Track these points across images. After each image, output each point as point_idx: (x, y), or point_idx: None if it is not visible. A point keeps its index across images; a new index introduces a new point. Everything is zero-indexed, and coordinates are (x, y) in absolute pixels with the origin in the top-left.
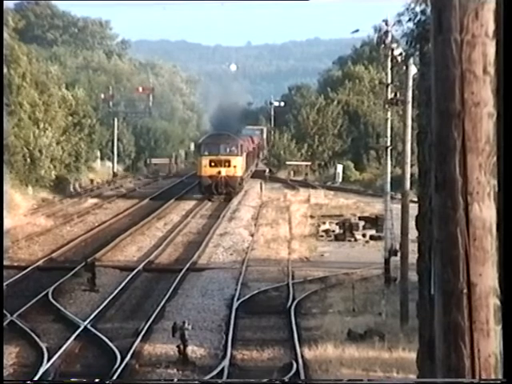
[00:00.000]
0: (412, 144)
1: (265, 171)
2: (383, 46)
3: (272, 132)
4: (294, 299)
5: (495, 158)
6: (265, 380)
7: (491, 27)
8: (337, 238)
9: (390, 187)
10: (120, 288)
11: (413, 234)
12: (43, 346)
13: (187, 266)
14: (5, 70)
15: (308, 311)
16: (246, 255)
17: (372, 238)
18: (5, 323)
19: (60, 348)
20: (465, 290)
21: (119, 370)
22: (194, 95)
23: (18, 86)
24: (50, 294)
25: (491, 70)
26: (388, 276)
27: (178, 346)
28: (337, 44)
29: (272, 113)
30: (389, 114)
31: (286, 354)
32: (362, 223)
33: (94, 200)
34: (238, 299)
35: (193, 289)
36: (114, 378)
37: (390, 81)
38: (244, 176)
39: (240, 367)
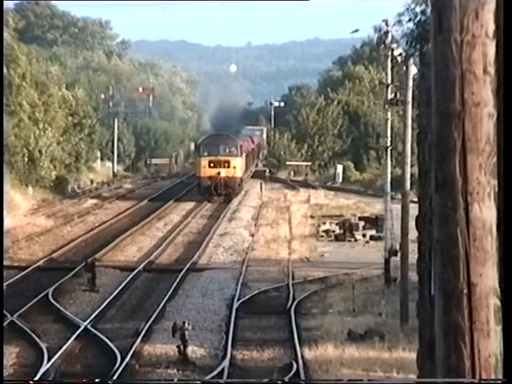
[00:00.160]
0: (412, 144)
1: (265, 171)
2: (383, 46)
3: (272, 132)
4: (294, 299)
5: (495, 159)
6: (265, 380)
7: (491, 27)
8: (337, 238)
9: (390, 187)
10: (120, 288)
11: (413, 234)
12: (43, 346)
13: (187, 266)
14: (5, 70)
15: (308, 311)
16: (247, 255)
17: (372, 238)
18: (5, 323)
19: (60, 348)
20: (465, 291)
21: (119, 371)
22: (194, 95)
23: (18, 86)
24: (50, 294)
25: (491, 70)
26: (388, 276)
27: (178, 347)
28: (337, 44)
29: (272, 113)
30: (389, 114)
31: (286, 354)
32: (362, 223)
33: (94, 200)
34: (238, 299)
35: (193, 289)
36: (114, 378)
37: (390, 81)
38: (244, 177)
39: (240, 367)
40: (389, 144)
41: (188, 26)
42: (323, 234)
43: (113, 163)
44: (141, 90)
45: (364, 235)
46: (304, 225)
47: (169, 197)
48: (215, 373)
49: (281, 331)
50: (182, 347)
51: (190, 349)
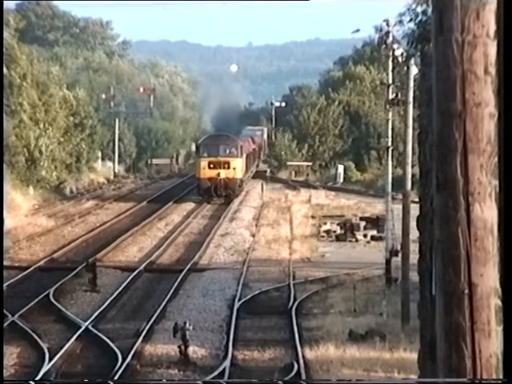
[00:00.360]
0: (413, 144)
1: (266, 172)
2: (384, 46)
3: (273, 132)
4: (295, 299)
5: (496, 159)
6: (266, 380)
7: (492, 28)
8: (338, 238)
9: (391, 188)
10: (121, 288)
11: (414, 234)
12: (44, 346)
13: (188, 266)
14: (6, 70)
15: (309, 311)
16: (247, 256)
17: (373, 238)
18: (6, 323)
19: (61, 348)
20: (466, 291)
21: (120, 371)
22: (195, 95)
23: (19, 86)
24: (51, 295)
25: (492, 70)
26: (389, 276)
27: (179, 347)
28: (338, 44)
29: (273, 113)
30: (390, 114)
31: (287, 355)
32: (363, 224)
33: (95, 200)
34: (239, 300)
35: (194, 289)
36: (116, 378)
37: (391, 81)
38: (244, 178)
39: (241, 367)
40: (390, 144)
41: (189, 26)
42: (324, 234)
43: (114, 163)
44: (142, 90)
45: (365, 235)
46: (305, 225)
47: (170, 197)
48: (216, 373)
49: (282, 331)
50: (183, 347)
51: (191, 349)
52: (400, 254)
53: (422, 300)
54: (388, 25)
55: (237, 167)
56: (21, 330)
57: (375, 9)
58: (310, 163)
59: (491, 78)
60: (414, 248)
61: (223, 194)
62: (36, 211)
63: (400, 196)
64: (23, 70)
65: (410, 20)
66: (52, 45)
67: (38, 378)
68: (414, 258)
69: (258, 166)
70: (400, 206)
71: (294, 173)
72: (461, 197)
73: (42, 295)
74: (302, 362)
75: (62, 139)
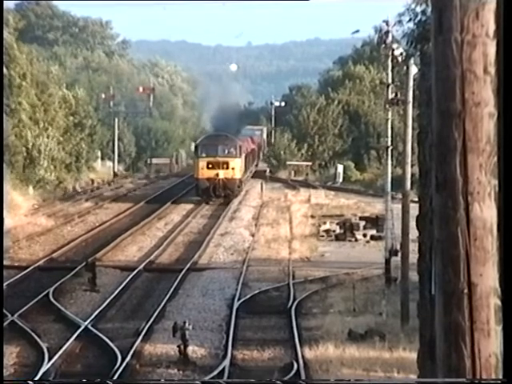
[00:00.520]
0: (412, 144)
1: (265, 171)
2: (384, 46)
3: (273, 132)
4: (294, 299)
5: (496, 158)
6: (265, 380)
7: (492, 27)
8: (337, 237)
9: (390, 187)
10: (121, 288)
11: (413, 233)
12: (44, 345)
13: (188, 265)
14: (5, 70)
15: (309, 311)
16: (247, 255)
17: (373, 237)
18: (6, 323)
19: (61, 348)
20: (465, 290)
21: (120, 370)
22: (195, 95)
23: (19, 85)
24: (51, 294)
25: (492, 70)
26: (389, 276)
27: (178, 346)
28: (337, 44)
29: (273, 113)
30: (389, 114)
31: (286, 354)
32: (362, 223)
33: (95, 200)
34: (238, 299)
35: (193, 289)
36: (115, 378)
37: (390, 81)
38: (243, 178)
39: (241, 367)
40: (389, 144)
41: (188, 25)
42: (324, 233)
43: (113, 163)
44: (141, 89)
45: (364, 235)
46: (304, 224)
47: (169, 196)
48: (215, 372)
49: (281, 331)
50: (182, 347)
51: (190, 348)
52: (399, 254)
53: (422, 299)
54: (387, 24)
55: (236, 167)
56: (20, 329)
57: (375, 9)
58: (310, 163)
59: (490, 77)
60: (413, 247)
61: (222, 194)
62: (36, 211)
63: (399, 195)
64: (23, 69)
65: (410, 20)
66: (51, 44)
67: (37, 377)
68: (413, 257)
69: (257, 165)
70: (399, 206)
71: (293, 172)
72: (460, 196)
73: (42, 295)
74: (301, 361)
75: (61, 139)
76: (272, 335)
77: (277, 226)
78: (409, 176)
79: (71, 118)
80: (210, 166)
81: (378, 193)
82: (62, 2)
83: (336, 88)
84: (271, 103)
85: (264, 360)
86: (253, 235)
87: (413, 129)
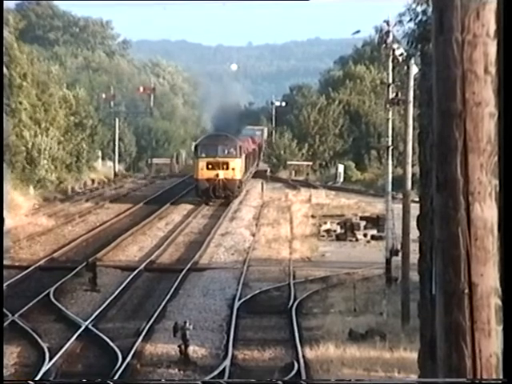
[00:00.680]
0: (413, 144)
1: (266, 171)
2: (384, 45)
3: (273, 132)
4: (295, 299)
5: (496, 158)
6: (266, 380)
7: (492, 27)
8: (338, 237)
9: (391, 187)
10: (121, 288)
11: (414, 233)
12: (44, 345)
13: (188, 265)
14: (6, 70)
15: (309, 311)
16: (248, 255)
17: (373, 237)
18: (6, 323)
19: (61, 348)
20: (466, 290)
21: (120, 370)
22: (195, 95)
23: (19, 85)
24: (52, 294)
25: (492, 69)
26: (389, 276)
27: (179, 346)
28: (338, 44)
29: (273, 113)
30: (390, 113)
31: (287, 354)
32: (363, 223)
33: (95, 200)
34: (239, 299)
35: (194, 289)
36: (116, 377)
37: (391, 81)
38: (243, 179)
39: (241, 367)
40: (390, 144)
41: (189, 25)
42: (324, 233)
43: (114, 163)
44: (142, 89)
45: (365, 235)
46: (305, 224)
47: (170, 196)
48: (216, 372)
49: (282, 331)
50: (183, 347)
51: (191, 348)
52: (400, 254)
53: (422, 299)
54: (388, 24)
55: (236, 168)
56: (21, 329)
57: (375, 8)
58: (310, 163)
59: (491, 77)
60: (414, 247)
61: (222, 195)
62: (36, 211)
63: (400, 195)
64: (23, 69)
65: (410, 20)
66: (52, 44)
67: (38, 377)
68: (414, 257)
69: (258, 165)
70: (400, 206)
71: (294, 172)
72: (461, 196)
73: (43, 295)
74: (302, 361)
75: (62, 139)
76: (273, 335)
77: (277, 225)
78: (409, 176)
79: (72, 117)
80: (210, 166)
81: (378, 193)
82: (62, 1)
83: (337, 88)
84: (272, 103)
85: (265, 360)
86: (253, 235)
87: (413, 129)
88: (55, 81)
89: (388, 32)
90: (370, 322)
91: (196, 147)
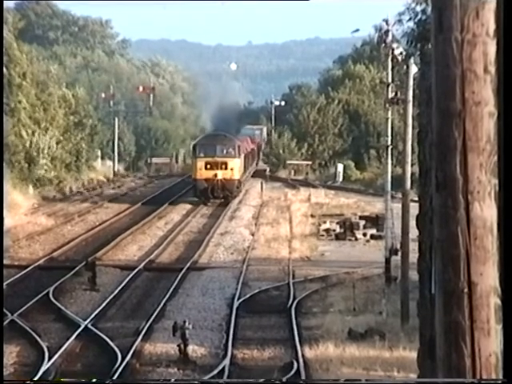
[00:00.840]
0: (412, 143)
1: (265, 170)
2: (384, 45)
3: (273, 131)
4: (294, 298)
5: (496, 158)
6: (265, 380)
7: (492, 26)
8: (337, 237)
9: (390, 186)
10: (121, 287)
11: (413, 233)
12: (44, 345)
13: (188, 265)
14: (5, 69)
15: (309, 310)
16: (247, 254)
17: (373, 237)
18: (5, 322)
19: (61, 347)
20: (465, 290)
21: (120, 370)
22: (195, 94)
23: (19, 85)
24: (51, 294)
25: (492, 69)
26: (389, 275)
27: (178, 346)
28: (337, 43)
29: (273, 112)
30: (389, 113)
31: (286, 354)
32: (362, 222)
33: (95, 199)
34: (238, 298)
35: (193, 288)
36: (115, 377)
37: (390, 80)
38: (242, 179)
39: (241, 366)
40: (389, 143)
41: (188, 25)
42: (324, 233)
43: (113, 162)
44: (141, 89)
45: (364, 234)
46: (304, 224)
47: (169, 195)
48: (215, 372)
49: (281, 330)
50: (182, 346)
51: (190, 348)
52: (399, 253)
53: (422, 299)
54: (387, 24)
55: (234, 168)
56: (20, 328)
57: (375, 8)
58: (310, 162)
59: (491, 76)
60: (413, 247)
61: (220, 195)
62: (35, 210)
63: (399, 195)
64: (23, 68)
65: (410, 19)
66: (51, 44)
67: (37, 376)
68: (413, 256)
69: (257, 165)
70: (399, 205)
71: (293, 171)
72: (460, 196)
73: (42, 294)
74: (301, 360)
75: (61, 138)
76: (272, 334)
77: (277, 225)
78: (409, 175)
79: (71, 117)
80: (209, 166)
81: (377, 192)
82: (62, 1)
83: (336, 87)
84: (271, 102)
85: (264, 359)
86: (253, 234)
87: (413, 128)
88: (54, 80)
89: (387, 31)
90: (370, 322)
91: (194, 147)
